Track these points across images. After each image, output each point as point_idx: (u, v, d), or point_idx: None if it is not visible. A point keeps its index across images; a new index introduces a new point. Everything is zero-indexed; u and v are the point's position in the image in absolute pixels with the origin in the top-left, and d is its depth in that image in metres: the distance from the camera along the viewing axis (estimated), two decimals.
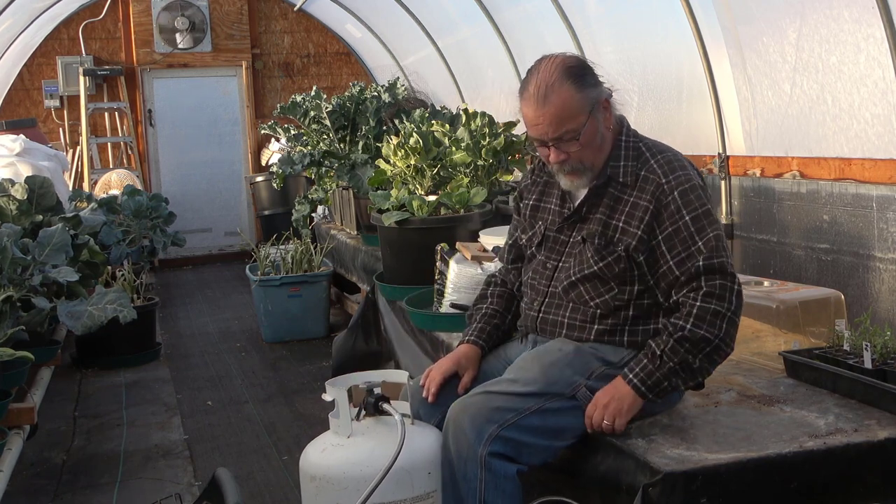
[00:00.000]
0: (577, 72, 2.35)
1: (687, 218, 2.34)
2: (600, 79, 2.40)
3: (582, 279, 2.44)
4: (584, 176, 2.42)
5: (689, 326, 2.27)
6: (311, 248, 6.44)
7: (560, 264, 2.50)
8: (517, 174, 4.84)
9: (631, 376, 2.30)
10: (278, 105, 6.68)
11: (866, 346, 2.48)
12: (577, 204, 2.48)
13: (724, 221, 4.59)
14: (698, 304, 2.29)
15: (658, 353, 2.29)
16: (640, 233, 2.37)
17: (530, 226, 2.62)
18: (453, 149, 4.51)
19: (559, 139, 2.35)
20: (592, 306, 2.43)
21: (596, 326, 2.43)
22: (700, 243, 2.32)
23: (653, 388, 2.29)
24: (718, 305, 2.29)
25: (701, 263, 2.32)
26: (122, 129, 9.89)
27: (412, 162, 4.60)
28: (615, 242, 2.40)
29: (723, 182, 4.59)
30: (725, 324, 2.28)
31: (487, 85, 7.57)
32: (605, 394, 2.32)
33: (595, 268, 2.42)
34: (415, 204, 4.24)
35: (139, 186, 8.53)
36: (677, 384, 2.30)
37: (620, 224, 2.40)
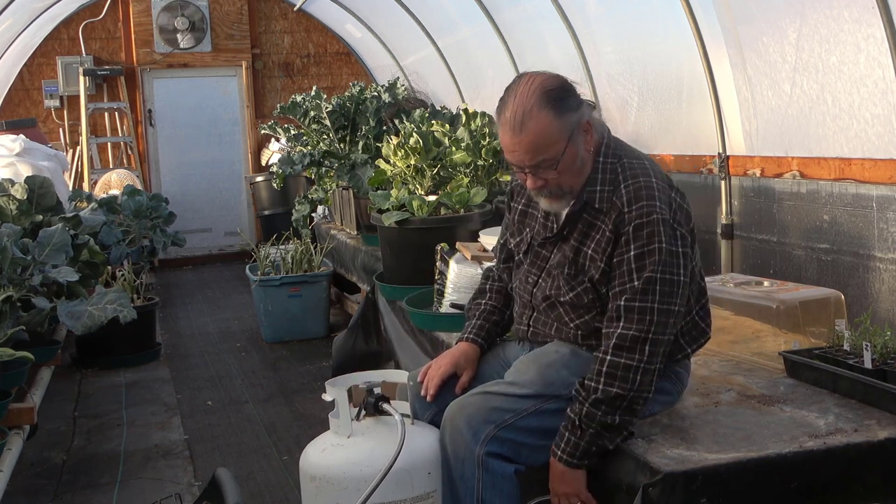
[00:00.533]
0: (557, 95, 2.24)
1: (632, 253, 2.24)
2: (582, 96, 2.30)
3: (559, 303, 2.41)
4: (563, 199, 2.35)
5: (601, 388, 2.20)
6: (311, 248, 6.44)
7: (539, 281, 2.47)
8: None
9: (559, 453, 2.24)
10: (278, 105, 6.68)
11: (866, 346, 2.48)
12: (559, 224, 2.41)
13: (723, 221, 4.59)
14: (608, 358, 2.21)
15: (577, 423, 2.22)
16: (602, 265, 2.31)
17: (518, 231, 2.58)
18: (453, 149, 4.51)
19: (536, 167, 2.27)
20: (573, 328, 2.40)
21: (584, 343, 2.40)
22: (636, 282, 2.23)
23: (583, 457, 2.22)
24: (629, 358, 2.20)
25: (623, 303, 2.24)
26: (122, 129, 9.89)
27: (412, 162, 4.60)
28: (584, 271, 2.34)
29: (723, 182, 4.59)
30: (639, 375, 2.19)
31: (487, 85, 7.57)
32: (551, 481, 2.27)
33: (566, 297, 2.38)
34: (415, 204, 4.24)
35: (139, 186, 8.53)
36: (605, 445, 2.22)
37: (590, 252, 2.34)
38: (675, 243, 2.26)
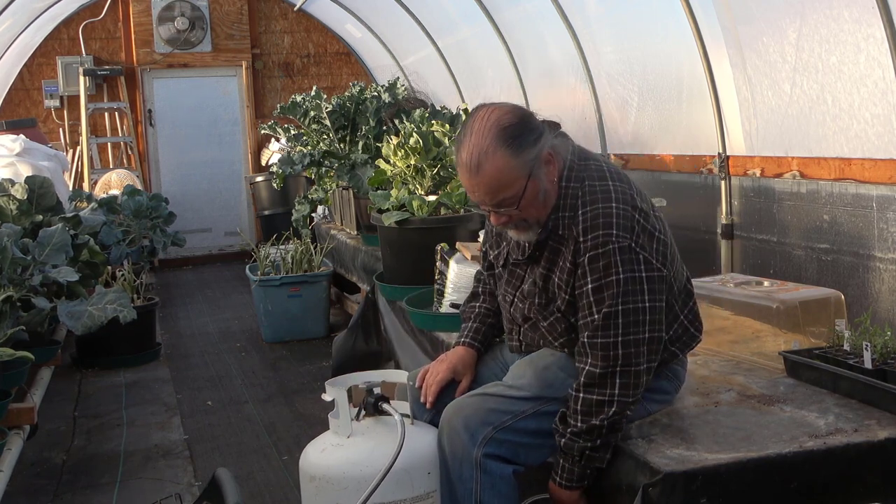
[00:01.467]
0: (514, 132, 2.17)
1: (589, 286, 2.19)
2: (542, 121, 2.23)
3: (539, 325, 2.39)
4: (531, 230, 2.29)
5: (578, 424, 2.20)
6: (311, 248, 6.44)
7: (515, 301, 2.44)
8: None
9: (558, 479, 2.25)
10: (278, 105, 6.68)
11: (866, 346, 2.48)
12: (531, 250, 2.36)
13: (723, 221, 4.60)
14: (581, 396, 2.20)
15: (563, 450, 2.23)
16: (567, 296, 2.27)
17: (496, 244, 2.54)
18: (453, 149, 4.51)
19: (497, 205, 2.22)
20: (558, 346, 2.39)
21: (574, 358, 2.36)
22: (595, 316, 2.19)
23: (580, 479, 2.23)
24: (600, 394, 2.18)
25: (586, 340, 2.21)
26: (122, 129, 9.89)
27: (412, 162, 4.60)
28: (553, 300, 2.32)
29: (723, 182, 4.59)
30: (614, 407, 2.17)
31: (487, 85, 7.57)
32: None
33: (542, 324, 2.37)
34: (415, 204, 4.24)
35: (139, 186, 8.54)
36: (595, 467, 2.23)
37: (556, 279, 2.30)
38: (637, 269, 2.19)
